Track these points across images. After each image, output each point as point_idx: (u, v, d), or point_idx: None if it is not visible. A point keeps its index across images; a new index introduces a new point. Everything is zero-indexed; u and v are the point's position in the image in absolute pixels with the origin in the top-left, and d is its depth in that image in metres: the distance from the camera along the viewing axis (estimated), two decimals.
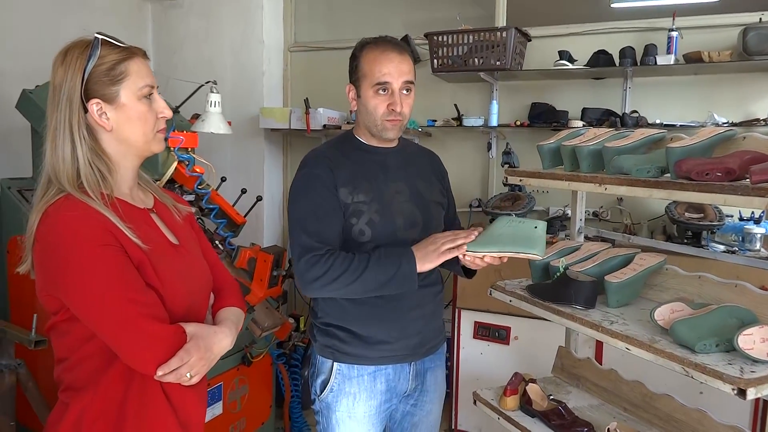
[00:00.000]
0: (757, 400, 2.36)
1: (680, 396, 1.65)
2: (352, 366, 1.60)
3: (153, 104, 1.19)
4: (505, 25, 3.20)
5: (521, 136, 3.32)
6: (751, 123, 2.84)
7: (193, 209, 1.42)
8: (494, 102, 3.30)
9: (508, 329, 2.88)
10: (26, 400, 2.20)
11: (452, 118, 3.39)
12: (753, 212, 2.74)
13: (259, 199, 2.87)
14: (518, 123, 3.25)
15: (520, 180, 1.79)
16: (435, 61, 3.21)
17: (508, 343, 2.89)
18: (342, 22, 4.24)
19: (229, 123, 2.84)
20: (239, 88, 3.79)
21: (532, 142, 2.26)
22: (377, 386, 1.61)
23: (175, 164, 2.38)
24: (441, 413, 1.80)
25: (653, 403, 1.70)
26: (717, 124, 2.81)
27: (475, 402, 1.93)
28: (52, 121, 1.13)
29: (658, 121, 2.97)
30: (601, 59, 3.00)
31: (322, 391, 1.63)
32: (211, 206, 2.55)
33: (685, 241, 2.73)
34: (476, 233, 1.48)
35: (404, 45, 1.60)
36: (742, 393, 1.14)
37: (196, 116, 2.82)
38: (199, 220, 2.48)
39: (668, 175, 1.40)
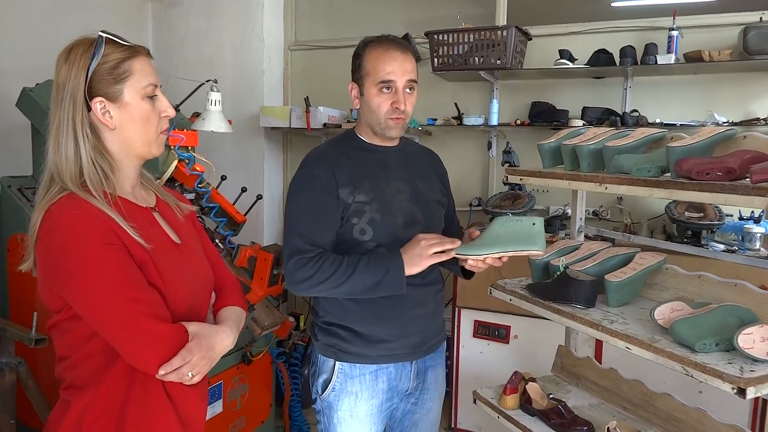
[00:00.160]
0: (756, 399, 2.36)
1: (680, 395, 1.65)
2: (354, 365, 1.60)
3: (156, 103, 1.19)
4: (505, 24, 3.20)
5: (521, 135, 3.32)
6: (751, 122, 2.84)
7: (195, 208, 1.42)
8: (494, 101, 3.30)
9: (508, 328, 2.88)
10: (26, 399, 2.20)
11: (452, 117, 3.39)
12: (753, 212, 2.75)
13: (260, 197, 2.87)
14: (518, 122, 3.25)
15: (521, 179, 1.80)
16: (435, 59, 3.21)
17: (507, 342, 2.89)
18: (342, 20, 4.24)
19: (230, 121, 2.84)
20: (239, 86, 3.79)
21: (533, 141, 2.26)
22: (379, 385, 1.62)
23: (175, 163, 2.38)
24: (441, 411, 1.81)
25: (653, 402, 1.70)
26: (717, 124, 2.81)
27: (474, 401, 1.94)
28: (55, 119, 1.13)
29: (658, 121, 2.97)
30: (601, 58, 3.00)
31: (323, 391, 1.63)
32: (211, 205, 2.55)
33: (685, 240, 2.73)
34: (477, 233, 1.49)
35: (407, 44, 1.60)
36: (741, 392, 1.15)
37: (197, 115, 2.81)
38: (199, 219, 2.49)
39: (668, 174, 1.40)
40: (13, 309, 2.54)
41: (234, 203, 2.68)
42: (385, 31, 1.64)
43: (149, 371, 1.07)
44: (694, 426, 1.58)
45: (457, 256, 1.48)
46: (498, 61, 3.06)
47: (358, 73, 1.59)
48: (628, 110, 3.08)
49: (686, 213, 2.72)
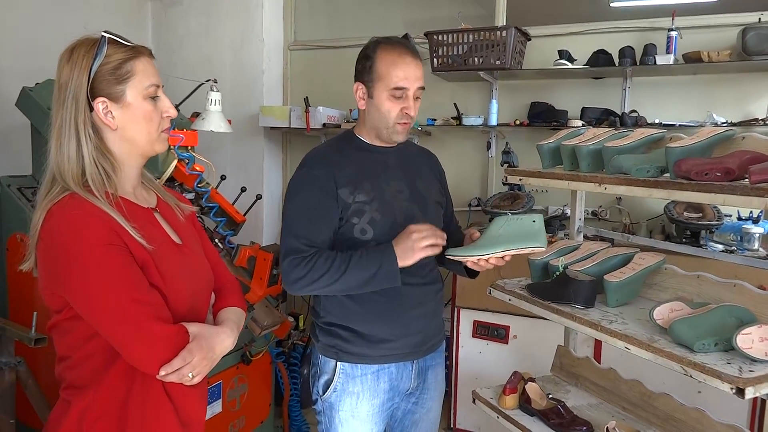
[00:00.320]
0: (755, 399, 2.36)
1: (679, 395, 1.65)
2: (355, 365, 1.60)
3: (158, 103, 1.20)
4: (505, 24, 3.20)
5: (521, 136, 3.32)
6: (750, 123, 2.84)
7: (195, 208, 1.42)
8: (494, 101, 3.30)
9: (507, 328, 2.88)
10: (26, 398, 2.20)
11: (452, 117, 3.39)
12: (751, 212, 2.75)
13: (259, 197, 2.87)
14: (518, 122, 3.26)
15: (520, 179, 1.80)
16: (435, 60, 3.21)
17: (507, 342, 2.89)
18: (342, 20, 4.24)
19: (229, 121, 2.84)
20: (239, 86, 3.79)
21: (532, 142, 2.27)
22: (380, 385, 1.62)
23: (175, 162, 2.38)
24: (441, 411, 1.81)
25: (652, 402, 1.70)
26: (716, 124, 2.82)
27: (474, 401, 1.94)
28: (57, 119, 1.13)
29: (657, 121, 2.98)
30: (600, 59, 3.00)
31: (325, 391, 1.63)
32: (210, 204, 2.55)
33: (684, 240, 2.74)
34: (477, 234, 1.49)
35: (416, 47, 1.60)
36: (740, 392, 1.15)
37: (196, 114, 2.81)
38: (199, 219, 2.49)
39: (667, 174, 1.41)
40: (12, 308, 2.54)
41: (233, 203, 2.68)
42: (385, 31, 1.64)
43: (150, 372, 1.07)
44: (693, 426, 1.58)
45: (460, 258, 1.49)
46: (497, 62, 3.06)
47: (368, 75, 1.57)
48: (627, 110, 3.08)
49: (685, 213, 2.72)
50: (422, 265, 1.61)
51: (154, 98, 1.18)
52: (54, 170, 1.13)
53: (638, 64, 2.92)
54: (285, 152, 4.04)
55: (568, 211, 2.50)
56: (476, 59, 3.11)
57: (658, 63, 2.85)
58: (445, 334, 1.80)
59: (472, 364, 2.97)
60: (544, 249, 1.48)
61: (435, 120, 3.43)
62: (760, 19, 2.84)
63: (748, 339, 1.24)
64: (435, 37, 3.19)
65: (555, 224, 3.04)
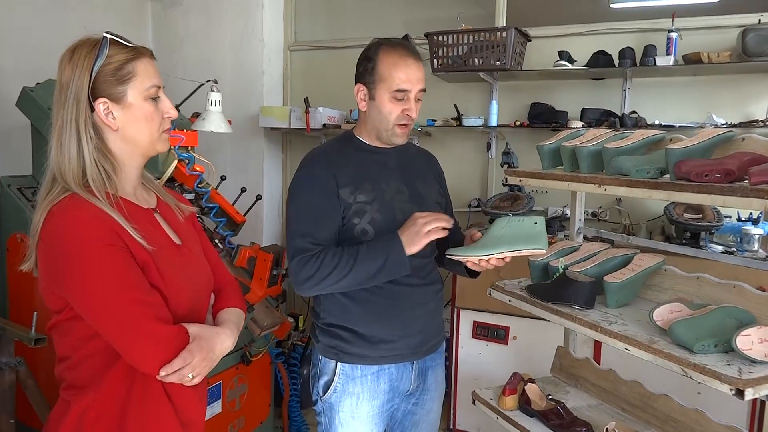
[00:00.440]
0: (754, 400, 2.37)
1: (678, 396, 1.65)
2: (355, 366, 1.60)
3: (159, 104, 1.20)
4: (505, 25, 3.21)
5: (521, 137, 3.32)
6: (750, 124, 2.84)
7: (195, 209, 1.43)
8: (494, 102, 3.30)
9: (506, 329, 2.88)
10: (26, 398, 2.20)
11: (452, 118, 3.40)
12: (751, 213, 2.75)
13: (259, 198, 2.87)
14: (518, 123, 3.26)
15: (520, 180, 1.80)
16: (435, 60, 3.22)
17: (506, 343, 2.89)
18: (342, 21, 4.24)
19: (229, 122, 2.84)
20: (239, 86, 3.79)
21: (532, 143, 2.26)
22: (380, 386, 1.62)
23: (175, 163, 2.38)
24: (441, 412, 1.81)
25: (651, 403, 1.71)
26: (716, 125, 2.82)
27: (474, 402, 1.94)
28: (58, 120, 1.13)
29: (657, 122, 2.98)
30: (600, 60, 3.00)
31: (325, 392, 1.63)
32: (210, 205, 2.55)
33: (684, 241, 2.74)
34: (478, 234, 1.50)
35: (417, 49, 1.60)
36: (740, 393, 1.15)
37: (196, 115, 2.82)
38: (199, 219, 2.49)
39: (667, 176, 1.41)
40: (12, 309, 2.54)
41: (233, 203, 2.68)
42: (385, 32, 1.64)
43: (150, 372, 1.07)
44: (693, 427, 1.58)
45: (461, 258, 1.49)
46: (497, 63, 3.06)
47: (370, 77, 1.57)
48: (627, 112, 3.08)
49: (685, 214, 2.72)
50: (422, 266, 1.62)
51: (155, 99, 1.19)
52: (54, 170, 1.13)
53: (638, 65, 2.93)
54: (285, 153, 4.04)
55: (568, 212, 2.50)
56: (476, 60, 3.11)
57: (658, 64, 2.86)
58: (444, 334, 1.80)
59: (471, 365, 2.97)
60: (545, 251, 1.48)
61: (435, 121, 3.43)
62: (760, 20, 2.84)
63: (747, 340, 1.24)
64: (435, 37, 3.19)
65: (555, 225, 3.04)
